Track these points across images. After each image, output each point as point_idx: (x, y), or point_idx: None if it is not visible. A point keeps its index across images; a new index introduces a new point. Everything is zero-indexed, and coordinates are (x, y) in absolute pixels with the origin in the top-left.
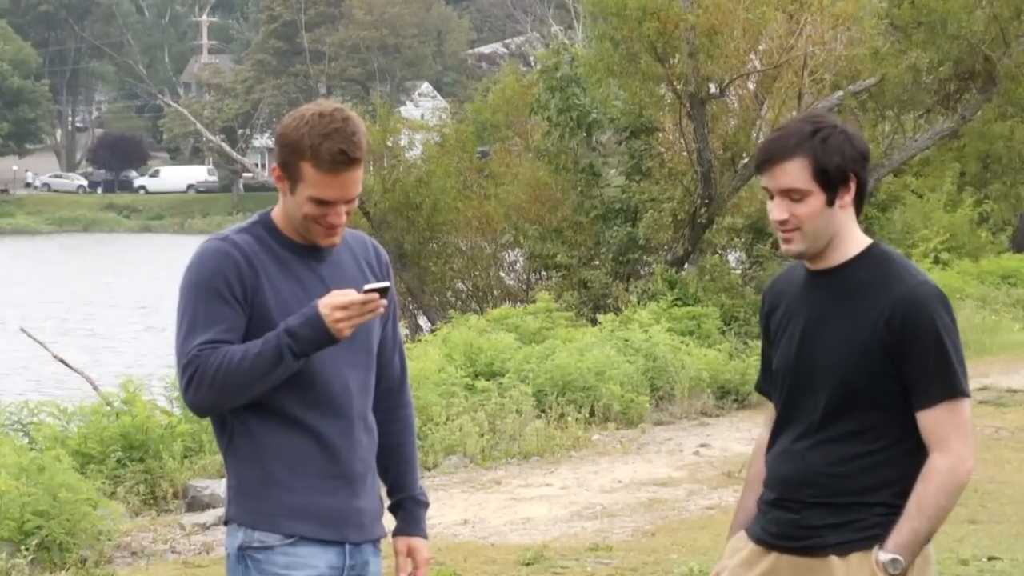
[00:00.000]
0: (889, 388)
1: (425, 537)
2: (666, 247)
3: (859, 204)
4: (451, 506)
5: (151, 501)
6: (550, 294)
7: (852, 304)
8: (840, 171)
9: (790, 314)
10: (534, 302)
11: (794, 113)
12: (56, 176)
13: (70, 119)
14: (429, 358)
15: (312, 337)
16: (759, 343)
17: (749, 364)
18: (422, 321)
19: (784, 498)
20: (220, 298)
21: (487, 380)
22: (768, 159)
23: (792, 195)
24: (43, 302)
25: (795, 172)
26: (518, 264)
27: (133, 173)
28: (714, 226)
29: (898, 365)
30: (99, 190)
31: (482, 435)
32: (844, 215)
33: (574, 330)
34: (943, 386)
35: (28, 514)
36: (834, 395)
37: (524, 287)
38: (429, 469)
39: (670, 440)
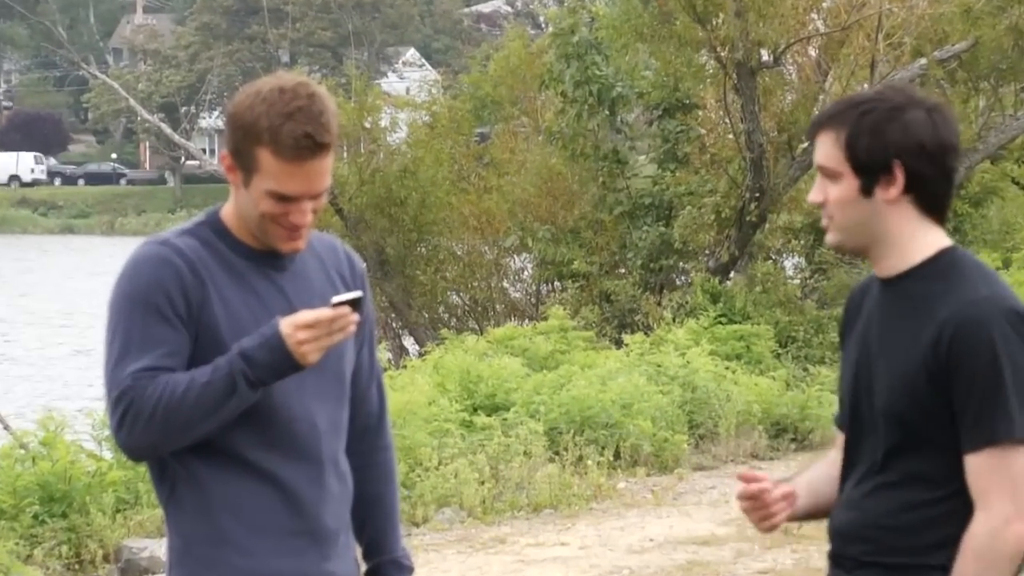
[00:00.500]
0: (945, 425)
1: None
2: (707, 251)
3: (927, 203)
4: (444, 571)
5: (76, 566)
6: (565, 309)
7: (907, 323)
8: (871, 155)
9: (855, 333)
10: (545, 319)
11: (865, 86)
12: None
13: None
14: (417, 388)
15: (271, 362)
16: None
17: (809, 395)
18: (408, 343)
19: (838, 554)
20: (159, 315)
21: (488, 415)
22: (809, 130)
23: (826, 173)
24: None
25: (826, 146)
26: (526, 272)
27: (52, 160)
28: (767, 225)
29: (949, 398)
30: (11, 182)
31: (483, 483)
32: (894, 212)
33: (595, 353)
34: (987, 428)
35: None
36: (890, 433)
37: (533, 301)
38: (417, 525)
39: (713, 489)
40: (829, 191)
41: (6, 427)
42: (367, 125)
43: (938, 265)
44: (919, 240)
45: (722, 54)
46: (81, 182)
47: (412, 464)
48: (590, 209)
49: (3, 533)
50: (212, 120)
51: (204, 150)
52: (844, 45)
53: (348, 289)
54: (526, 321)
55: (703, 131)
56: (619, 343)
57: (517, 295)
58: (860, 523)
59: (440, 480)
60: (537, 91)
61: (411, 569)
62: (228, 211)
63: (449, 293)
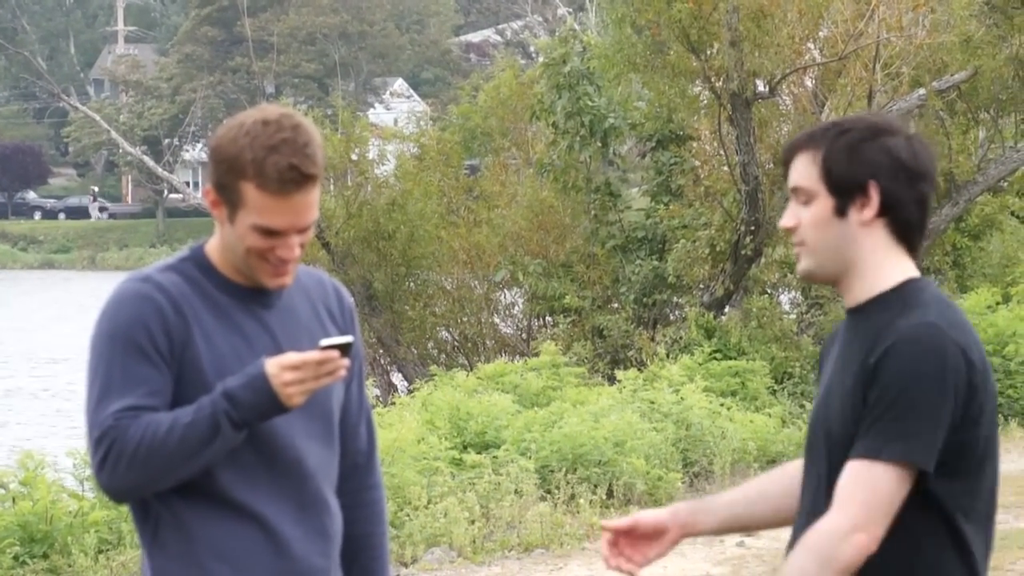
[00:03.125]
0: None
1: None
2: (702, 286)
3: (900, 228)
4: None
5: None
6: (557, 345)
7: (860, 348)
8: (848, 174)
9: (826, 367)
10: (537, 355)
11: None
12: None
13: None
14: (405, 426)
15: (255, 403)
16: None
17: (806, 432)
18: (397, 379)
19: None
20: (140, 353)
21: (478, 453)
22: (785, 153)
23: (799, 196)
24: None
25: (802, 167)
26: (516, 308)
27: (31, 194)
28: (762, 260)
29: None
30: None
31: (473, 522)
32: (867, 236)
33: (587, 390)
34: (872, 442)
35: None
36: (832, 455)
37: (524, 336)
38: (406, 565)
39: None
40: (802, 214)
41: None
42: (354, 157)
43: (900, 294)
44: (887, 269)
45: (717, 84)
46: (62, 216)
47: (401, 503)
48: (582, 242)
49: None
50: (196, 153)
51: (188, 183)
52: (841, 75)
53: (338, 325)
54: (517, 357)
55: (697, 163)
56: (612, 379)
57: (508, 330)
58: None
59: (429, 519)
60: (528, 122)
61: None
62: (213, 246)
63: (438, 328)
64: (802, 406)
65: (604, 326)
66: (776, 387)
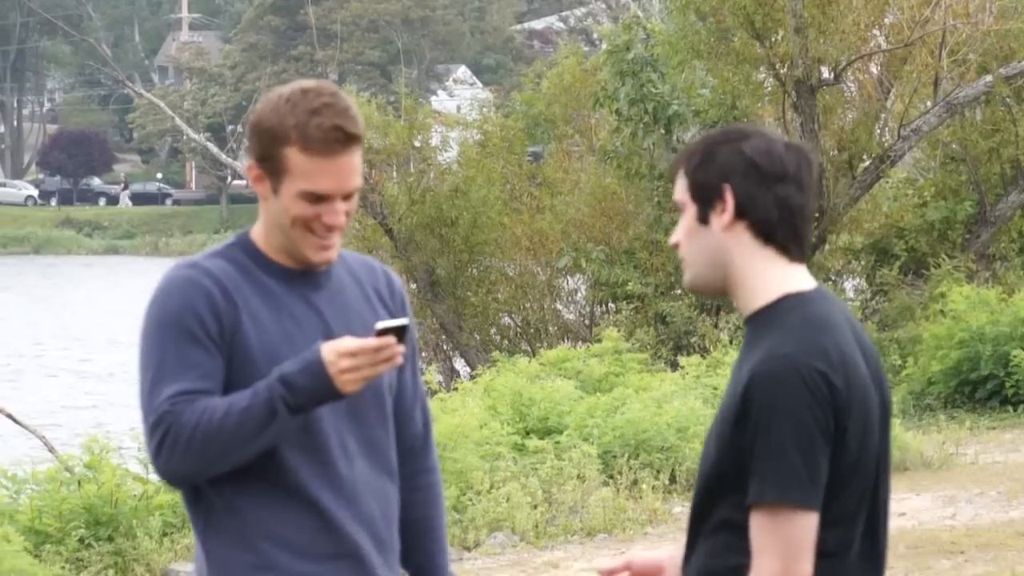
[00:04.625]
0: (746, 474)
1: None
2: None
3: (762, 230)
4: None
5: None
6: (619, 331)
7: (738, 370)
8: (704, 179)
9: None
10: (599, 341)
11: (928, 103)
12: None
13: (15, 112)
14: (468, 411)
15: (312, 388)
16: None
17: None
18: (459, 365)
19: None
20: (191, 339)
21: (541, 439)
22: (670, 175)
23: (680, 210)
24: None
25: (678, 181)
26: (579, 294)
27: (96, 181)
28: (826, 246)
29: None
30: (53, 202)
31: (535, 507)
32: (732, 241)
33: (649, 376)
34: (760, 487)
35: None
36: (708, 480)
37: (587, 322)
38: (469, 549)
39: None
40: (680, 228)
41: (51, 450)
42: (417, 144)
43: (773, 312)
44: (763, 279)
45: (781, 71)
46: (127, 202)
47: (463, 488)
48: (645, 229)
49: (49, 557)
50: None
51: None
52: (907, 62)
53: (388, 309)
54: (579, 343)
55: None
56: (675, 365)
57: (570, 317)
58: (692, 573)
59: (492, 504)
60: (591, 109)
61: None
62: (258, 231)
63: (501, 315)
64: None
65: (667, 312)
66: None
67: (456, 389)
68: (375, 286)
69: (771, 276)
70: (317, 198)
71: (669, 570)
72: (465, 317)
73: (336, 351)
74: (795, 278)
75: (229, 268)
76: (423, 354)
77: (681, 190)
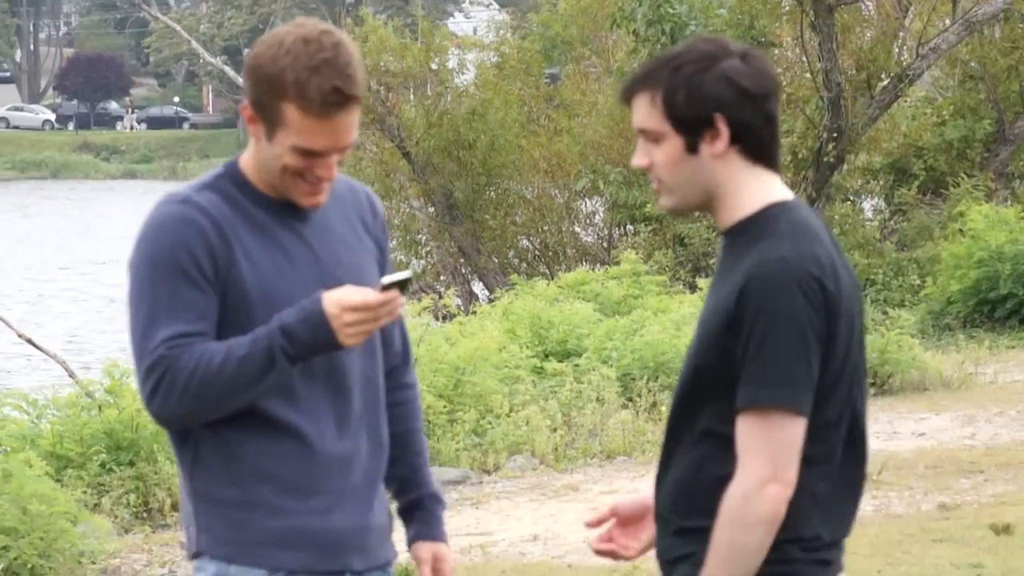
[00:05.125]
0: (735, 382)
1: (447, 543)
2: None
3: (754, 151)
4: (517, 518)
5: (144, 514)
6: (637, 253)
7: (725, 279)
8: (692, 111)
9: (708, 292)
10: (618, 263)
11: (947, 21)
12: (15, 109)
13: (32, 37)
14: (487, 335)
15: (313, 340)
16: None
17: (889, 339)
18: (478, 288)
19: (657, 516)
20: (185, 278)
21: (560, 361)
22: (621, 94)
23: (647, 136)
24: (2, 268)
25: (643, 109)
26: (597, 216)
27: (113, 105)
28: (845, 166)
29: (737, 355)
30: (70, 126)
31: (555, 430)
32: (722, 165)
33: (668, 298)
34: (752, 390)
35: None
36: (691, 389)
37: (605, 245)
38: (489, 472)
39: None
40: (654, 154)
41: (71, 375)
42: (434, 67)
43: (759, 220)
44: (748, 192)
45: None
46: (143, 126)
47: (483, 411)
48: None
49: (71, 482)
50: None
51: None
52: None
53: (370, 234)
54: (598, 266)
55: (779, 70)
56: (693, 287)
57: (588, 239)
58: (669, 485)
59: (512, 427)
60: (608, 30)
61: (445, 504)
62: (247, 161)
63: (519, 238)
64: (885, 313)
65: (685, 234)
66: None
67: (475, 312)
68: (359, 212)
69: (754, 188)
70: (311, 153)
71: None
72: (483, 240)
73: (340, 304)
74: (776, 188)
75: (220, 202)
76: (441, 277)
77: (656, 121)
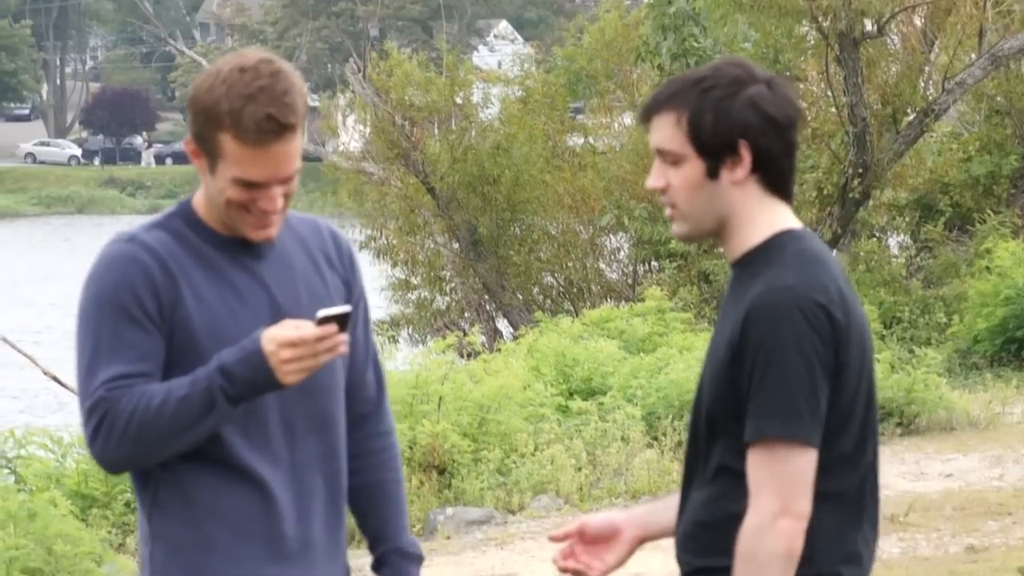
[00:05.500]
0: (742, 413)
1: None
2: (809, 229)
3: (773, 180)
4: (542, 559)
5: None
6: (662, 290)
7: (731, 310)
8: (717, 135)
9: (716, 323)
10: (642, 300)
11: (973, 56)
12: (42, 144)
13: (58, 71)
14: (511, 372)
15: (252, 379)
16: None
17: (916, 378)
18: (502, 325)
19: (677, 560)
20: (128, 318)
21: (585, 400)
22: (642, 112)
23: (666, 157)
24: (29, 304)
25: (665, 129)
26: (622, 252)
27: (139, 139)
28: (870, 202)
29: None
30: (96, 161)
31: (579, 469)
32: (739, 192)
33: (693, 336)
34: (759, 422)
35: (17, 572)
36: (706, 426)
37: (630, 281)
38: (513, 512)
39: None
40: (671, 176)
41: None
42: (458, 101)
43: (766, 249)
44: (760, 221)
45: (824, 24)
46: (169, 161)
47: (507, 450)
48: None
49: (96, 521)
50: None
51: None
52: (951, 14)
53: (335, 271)
54: (622, 302)
55: (804, 104)
56: None
57: (613, 276)
58: (685, 524)
59: (536, 466)
60: (633, 64)
61: (420, 558)
62: (199, 199)
63: (543, 274)
64: (911, 351)
65: (710, 271)
66: (884, 332)
67: (499, 350)
68: (323, 249)
69: (766, 218)
70: (251, 185)
71: (627, 529)
72: (508, 276)
73: (277, 341)
74: (786, 217)
75: (169, 240)
76: (466, 314)
77: (678, 143)
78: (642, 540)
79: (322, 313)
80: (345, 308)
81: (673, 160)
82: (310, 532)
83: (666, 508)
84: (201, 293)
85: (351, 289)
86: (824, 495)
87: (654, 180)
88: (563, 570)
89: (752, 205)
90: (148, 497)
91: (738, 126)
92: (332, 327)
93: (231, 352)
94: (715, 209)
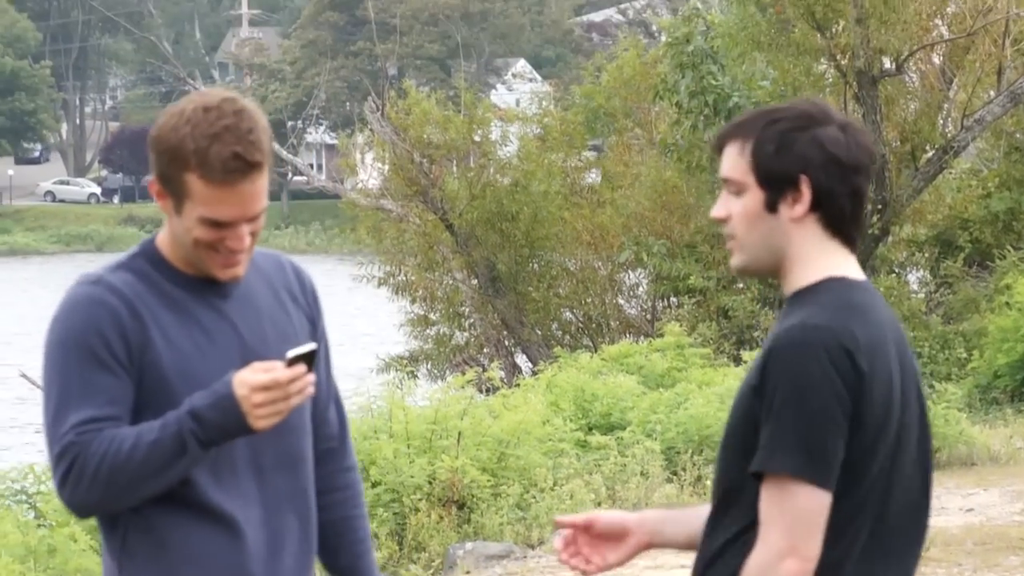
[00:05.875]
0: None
1: None
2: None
3: (834, 222)
4: None
5: None
6: (681, 326)
7: (765, 344)
8: (778, 167)
9: None
10: (661, 336)
11: (991, 93)
12: (61, 182)
13: (78, 110)
14: (530, 407)
15: (223, 424)
16: (948, 386)
17: (936, 413)
18: (521, 360)
19: None
20: (96, 361)
21: (604, 435)
22: (715, 141)
23: (729, 187)
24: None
25: (731, 157)
26: (640, 288)
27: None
28: (889, 238)
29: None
30: (115, 199)
31: (599, 504)
32: (798, 230)
33: (712, 371)
34: (769, 456)
35: None
36: (722, 458)
37: (649, 317)
38: (532, 547)
39: None
40: (732, 206)
41: None
42: (477, 139)
43: (813, 292)
44: (815, 263)
45: (842, 62)
46: None
47: (527, 485)
48: (707, 223)
49: None
50: (319, 135)
51: (312, 165)
52: (969, 52)
53: (299, 306)
54: (641, 338)
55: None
56: (737, 360)
57: (632, 311)
58: (697, 561)
59: (555, 501)
60: (651, 102)
61: None
62: (163, 239)
63: (562, 310)
64: (931, 387)
65: (729, 307)
66: None
67: (518, 385)
68: (286, 286)
69: (826, 260)
70: (219, 224)
71: (636, 533)
72: (526, 312)
73: (249, 385)
74: (846, 264)
75: (134, 281)
76: (484, 350)
77: (741, 171)
78: (648, 546)
79: (291, 354)
80: (311, 346)
81: (736, 190)
82: (282, 571)
83: (676, 520)
84: (170, 334)
85: (315, 325)
86: (835, 549)
87: (717, 209)
88: (562, 560)
89: (810, 245)
90: (117, 543)
91: (800, 160)
92: (302, 367)
93: (202, 396)
94: (772, 244)
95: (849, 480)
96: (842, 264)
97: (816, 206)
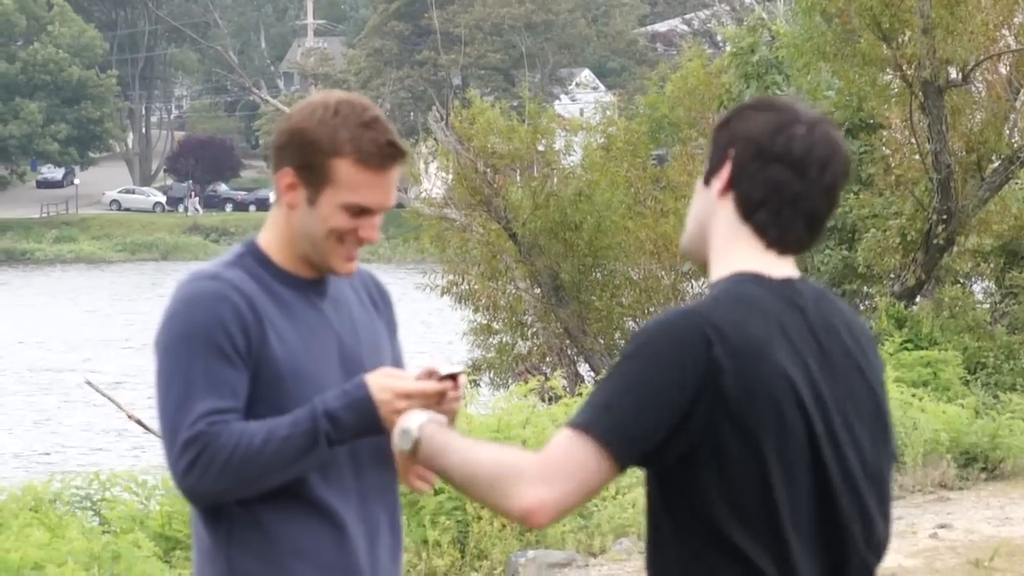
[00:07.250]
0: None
1: None
2: (893, 275)
3: (744, 206)
4: None
5: None
6: None
7: None
8: (716, 140)
9: None
10: None
11: None
12: (127, 191)
13: (144, 119)
14: None
15: (358, 425)
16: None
17: (1000, 423)
18: (583, 369)
19: None
20: (220, 353)
21: None
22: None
23: None
24: (114, 348)
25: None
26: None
27: (222, 187)
28: (955, 248)
29: None
30: (181, 208)
31: None
32: (719, 210)
33: None
34: (575, 414)
35: None
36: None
37: None
38: (595, 555)
39: (900, 519)
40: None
41: None
42: (540, 148)
43: (715, 286)
44: (727, 257)
45: (908, 72)
46: (252, 208)
47: None
48: None
49: (179, 563)
50: None
51: None
52: None
53: (380, 312)
54: None
55: (888, 152)
56: None
57: None
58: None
59: (618, 510)
60: (715, 112)
61: None
62: (268, 240)
63: (625, 319)
64: (996, 397)
65: None
66: (969, 377)
67: (580, 394)
68: (367, 290)
69: (735, 254)
70: (360, 211)
71: None
72: (589, 322)
73: (393, 390)
74: (761, 262)
75: (246, 278)
76: (547, 359)
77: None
78: None
79: (445, 371)
80: (459, 367)
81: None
82: (378, 563)
83: None
84: (281, 331)
85: (394, 333)
86: (739, 551)
87: None
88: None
89: (727, 228)
90: (222, 537)
91: (731, 135)
92: (450, 383)
93: (335, 397)
94: (702, 220)
95: (725, 478)
96: (752, 257)
97: (732, 184)
